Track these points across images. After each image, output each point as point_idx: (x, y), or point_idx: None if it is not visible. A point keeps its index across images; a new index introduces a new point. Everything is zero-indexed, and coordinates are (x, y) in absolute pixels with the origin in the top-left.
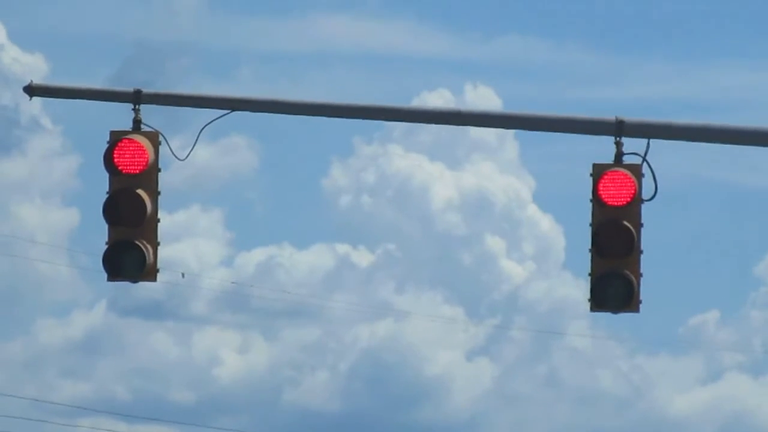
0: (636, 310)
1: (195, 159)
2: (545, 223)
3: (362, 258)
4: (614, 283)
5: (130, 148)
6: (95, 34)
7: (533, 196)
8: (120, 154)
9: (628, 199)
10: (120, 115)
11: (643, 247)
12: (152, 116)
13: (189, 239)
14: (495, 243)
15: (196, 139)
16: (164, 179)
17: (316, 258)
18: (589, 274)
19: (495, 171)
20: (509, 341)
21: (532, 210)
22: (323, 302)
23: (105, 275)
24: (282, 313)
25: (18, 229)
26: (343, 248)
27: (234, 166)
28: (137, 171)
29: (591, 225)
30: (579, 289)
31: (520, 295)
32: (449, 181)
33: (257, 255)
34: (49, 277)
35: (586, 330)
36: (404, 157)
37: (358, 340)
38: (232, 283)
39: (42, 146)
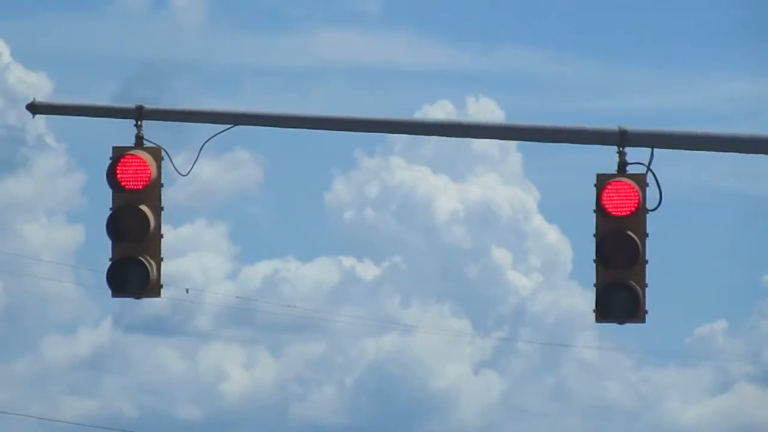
0: (642, 320)
1: (200, 174)
2: (551, 234)
3: (367, 271)
4: (619, 293)
5: (133, 164)
6: (99, 53)
7: (538, 208)
8: (123, 170)
9: (633, 209)
10: (124, 133)
11: (648, 257)
12: (157, 133)
13: (194, 254)
14: (501, 255)
15: (198, 154)
16: (169, 195)
17: (321, 272)
18: (594, 285)
19: (499, 183)
20: (517, 354)
21: (538, 221)
22: (329, 316)
23: (110, 292)
24: (287, 327)
25: (24, 248)
26: (348, 261)
27: (238, 180)
28: (140, 187)
29: (595, 235)
30: (586, 300)
31: (527, 307)
32: (453, 193)
33: (262, 269)
34: (54, 294)
35: (593, 341)
36: (408, 169)
37: (364, 354)
38: (237, 297)
39: (47, 164)
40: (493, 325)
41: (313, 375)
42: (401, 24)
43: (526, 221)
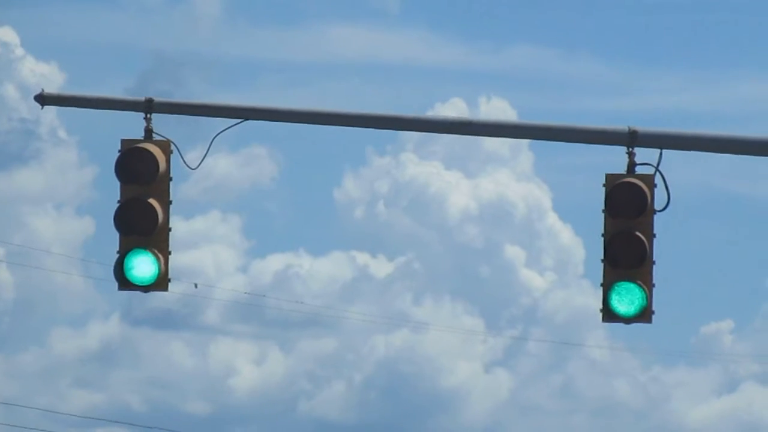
0: (648, 320)
1: (215, 169)
2: (563, 233)
3: (380, 268)
4: None
5: None
6: (112, 45)
7: (550, 207)
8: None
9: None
10: (136, 126)
11: (655, 257)
12: (170, 127)
13: (207, 248)
14: (514, 252)
15: (208, 148)
16: (184, 190)
17: (333, 268)
18: (602, 285)
19: (511, 181)
20: (528, 353)
21: (550, 220)
22: (340, 313)
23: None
24: (298, 323)
25: (33, 240)
26: (362, 258)
27: (253, 175)
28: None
29: (603, 235)
30: (598, 300)
31: (540, 306)
32: (465, 192)
33: (274, 264)
34: (63, 287)
35: (604, 341)
36: (420, 165)
37: (375, 351)
38: (245, 293)
39: (57, 157)
40: (506, 324)
41: (322, 372)
42: (415, 22)
43: (539, 220)
